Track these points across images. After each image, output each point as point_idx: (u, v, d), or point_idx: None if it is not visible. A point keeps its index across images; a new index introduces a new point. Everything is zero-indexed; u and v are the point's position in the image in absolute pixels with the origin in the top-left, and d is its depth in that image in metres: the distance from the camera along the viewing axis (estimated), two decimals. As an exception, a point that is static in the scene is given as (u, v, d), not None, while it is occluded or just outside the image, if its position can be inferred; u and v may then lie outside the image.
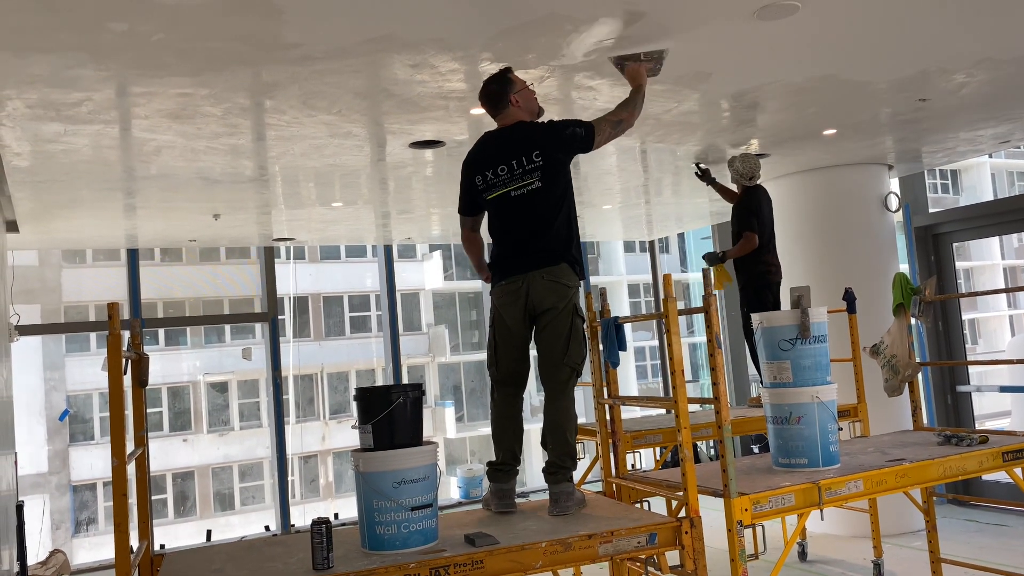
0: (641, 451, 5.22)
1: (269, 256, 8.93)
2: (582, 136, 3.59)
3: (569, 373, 3.57)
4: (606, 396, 4.02)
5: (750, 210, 5.86)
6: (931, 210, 8.09)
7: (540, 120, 3.72)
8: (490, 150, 3.67)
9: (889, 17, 3.71)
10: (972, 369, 8.72)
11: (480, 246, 3.87)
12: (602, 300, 4.00)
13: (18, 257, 7.43)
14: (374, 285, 21.96)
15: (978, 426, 7.91)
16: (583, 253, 3.93)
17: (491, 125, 4.94)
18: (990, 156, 26.85)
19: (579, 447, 5.91)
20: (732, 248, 5.92)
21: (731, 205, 6.33)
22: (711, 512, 3.72)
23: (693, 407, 4.00)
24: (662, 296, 3.42)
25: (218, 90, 3.92)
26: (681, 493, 3.36)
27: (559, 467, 3.57)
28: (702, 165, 6.21)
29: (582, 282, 3.64)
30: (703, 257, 6.01)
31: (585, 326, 3.69)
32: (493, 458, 3.71)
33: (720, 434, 3.31)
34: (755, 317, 4.19)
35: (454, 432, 22.57)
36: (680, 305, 3.43)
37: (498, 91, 3.66)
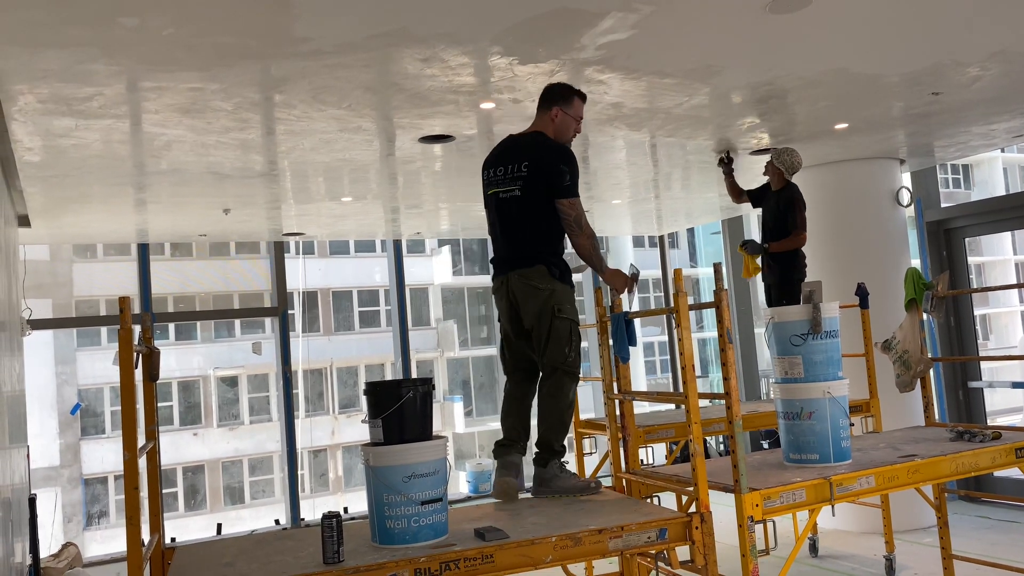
0: (652, 446, 5.21)
1: (279, 251, 8.94)
2: (567, 187, 3.58)
3: (551, 371, 3.70)
4: (616, 391, 4.01)
5: (799, 205, 5.73)
6: (943, 205, 8.03)
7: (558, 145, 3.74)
8: (500, 150, 3.80)
9: (902, 9, 3.68)
10: (984, 365, 8.66)
11: None
12: (612, 295, 3.98)
13: (29, 251, 7.47)
14: (383, 280, 22.01)
15: (990, 422, 7.87)
16: None
17: (502, 120, 4.95)
18: (1003, 151, 26.67)
19: (590, 442, 5.95)
20: (779, 241, 5.71)
21: (732, 197, 6.28)
22: (722, 508, 3.71)
23: (703, 402, 3.99)
24: (672, 291, 3.40)
25: (228, 85, 3.93)
26: (691, 488, 3.35)
27: (537, 453, 3.78)
28: (731, 154, 6.15)
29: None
30: (743, 245, 5.83)
31: (578, 327, 3.74)
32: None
33: (731, 429, 3.30)
34: (766, 312, 4.17)
35: (463, 427, 22.61)
36: (690, 300, 3.41)
37: (549, 95, 3.75)
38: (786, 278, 5.71)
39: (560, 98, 3.73)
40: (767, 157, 6.54)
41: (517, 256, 3.67)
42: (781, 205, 5.76)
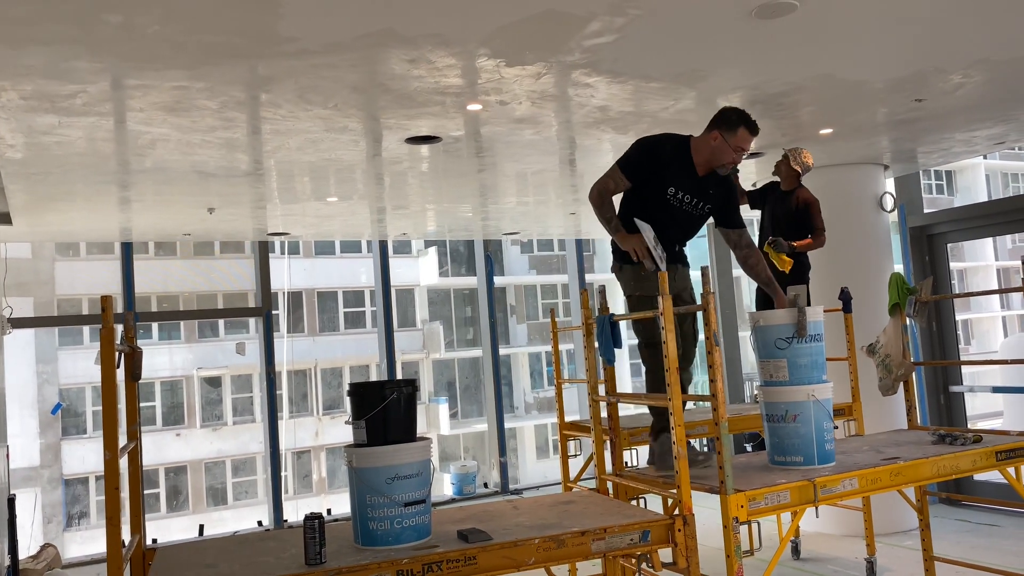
0: (637, 448, 5.22)
1: (263, 251, 8.90)
2: (618, 159, 3.92)
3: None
4: (602, 393, 4.02)
5: (818, 206, 5.67)
6: (926, 211, 8.10)
7: (725, 174, 3.93)
8: None
9: (887, 16, 3.71)
10: (965, 369, 8.74)
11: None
12: (599, 298, 3.99)
13: (11, 249, 7.41)
14: (369, 281, 21.95)
15: (970, 426, 7.93)
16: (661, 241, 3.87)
17: (489, 122, 4.96)
18: (985, 157, 26.92)
19: (575, 444, 5.95)
20: (800, 240, 5.62)
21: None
22: (707, 510, 3.73)
23: (687, 404, 4.00)
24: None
25: (214, 83, 3.91)
26: (675, 491, 3.36)
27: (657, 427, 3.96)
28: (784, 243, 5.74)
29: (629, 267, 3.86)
30: (771, 242, 5.60)
31: (642, 300, 3.86)
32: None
33: (717, 431, 3.31)
34: (751, 316, 4.19)
35: (448, 429, 22.57)
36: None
37: (718, 116, 3.84)
38: (799, 278, 5.63)
39: (724, 123, 3.77)
40: (752, 162, 6.56)
41: None
42: (799, 205, 5.66)
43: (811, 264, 5.81)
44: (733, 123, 3.76)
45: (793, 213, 5.70)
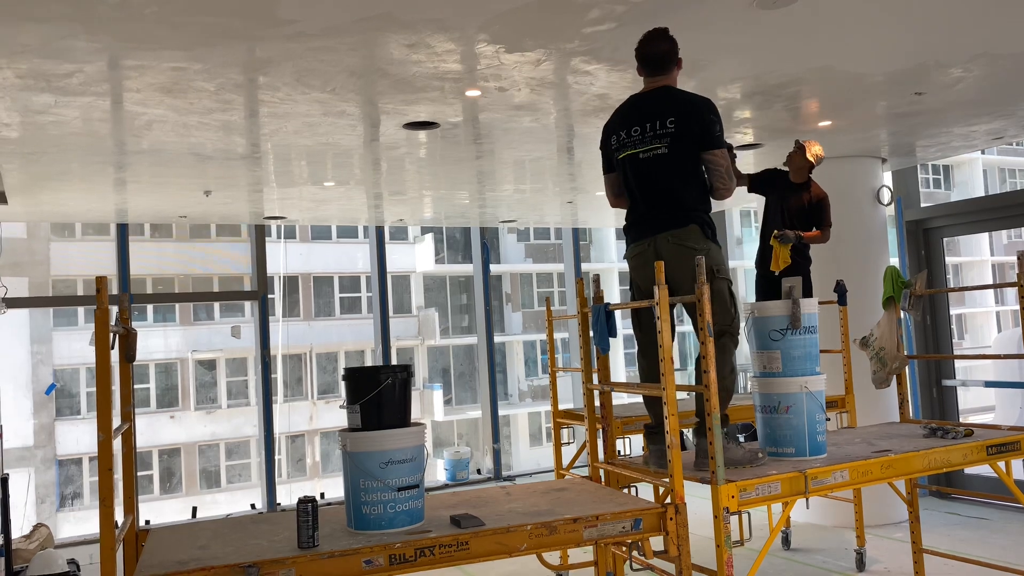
0: (630, 437, 5.23)
1: (260, 234, 8.88)
2: (718, 137, 3.51)
3: (715, 336, 3.43)
4: (595, 382, 4.03)
5: (828, 201, 5.61)
6: (923, 204, 8.11)
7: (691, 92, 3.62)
8: (630, 111, 3.65)
9: (887, 9, 3.70)
10: (958, 363, 8.77)
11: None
12: (595, 287, 3.99)
13: (6, 229, 7.39)
14: (365, 266, 21.92)
15: (962, 420, 7.97)
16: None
17: (487, 108, 4.93)
18: (983, 152, 26.93)
19: (568, 432, 5.96)
20: (811, 233, 5.53)
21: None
22: (698, 500, 3.74)
23: (681, 395, 4.01)
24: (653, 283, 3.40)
25: (211, 65, 3.89)
26: (667, 480, 3.37)
27: (700, 425, 3.62)
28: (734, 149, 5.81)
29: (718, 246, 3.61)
30: (777, 235, 5.47)
31: (733, 287, 3.66)
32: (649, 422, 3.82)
33: (710, 422, 3.32)
34: (747, 307, 4.20)
35: (442, 415, 22.62)
36: (671, 292, 3.41)
37: (669, 51, 3.55)
38: (795, 271, 5.57)
39: (676, 48, 3.55)
40: (750, 153, 6.55)
41: (666, 217, 3.54)
42: (813, 201, 5.62)
43: (811, 257, 5.80)
44: (673, 45, 3.54)
45: (806, 208, 5.64)
